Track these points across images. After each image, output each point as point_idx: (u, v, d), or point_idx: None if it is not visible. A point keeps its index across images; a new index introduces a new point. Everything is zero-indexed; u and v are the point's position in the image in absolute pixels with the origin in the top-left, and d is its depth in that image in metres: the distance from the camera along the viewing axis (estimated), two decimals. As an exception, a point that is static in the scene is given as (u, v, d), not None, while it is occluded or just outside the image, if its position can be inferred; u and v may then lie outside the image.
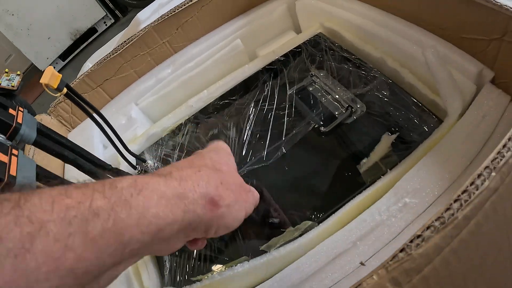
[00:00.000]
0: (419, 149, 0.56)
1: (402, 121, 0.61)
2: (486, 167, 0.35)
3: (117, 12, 3.89)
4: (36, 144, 0.51)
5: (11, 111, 0.48)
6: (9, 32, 3.31)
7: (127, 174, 0.67)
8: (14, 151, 0.40)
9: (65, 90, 0.52)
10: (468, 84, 0.58)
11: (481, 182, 0.34)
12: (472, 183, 0.35)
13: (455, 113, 0.56)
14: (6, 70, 2.52)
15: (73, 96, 0.55)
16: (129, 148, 0.73)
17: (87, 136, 0.87)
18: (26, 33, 3.41)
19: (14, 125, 0.47)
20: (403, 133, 0.59)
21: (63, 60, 3.88)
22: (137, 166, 0.75)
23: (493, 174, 0.35)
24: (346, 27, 0.81)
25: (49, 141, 0.53)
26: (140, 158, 0.76)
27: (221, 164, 0.39)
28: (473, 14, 0.56)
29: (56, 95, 0.51)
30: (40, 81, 0.49)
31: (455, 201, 0.34)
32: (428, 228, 0.34)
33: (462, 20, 0.59)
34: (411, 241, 0.34)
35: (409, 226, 0.46)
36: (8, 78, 2.46)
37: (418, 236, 0.33)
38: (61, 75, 0.51)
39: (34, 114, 2.13)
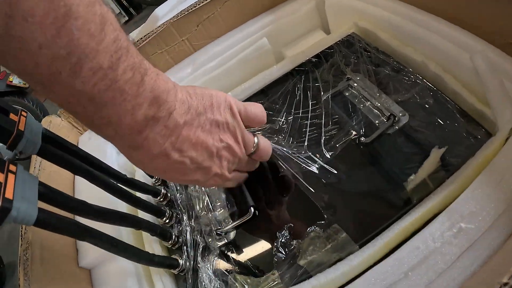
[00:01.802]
0: (470, 166, 0.50)
1: (448, 132, 0.55)
2: None
3: (131, 9, 3.87)
4: (41, 153, 0.45)
5: (12, 116, 0.41)
6: (23, 29, 3.31)
7: (143, 184, 0.61)
8: (12, 167, 0.33)
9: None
10: None
11: None
12: None
13: (506, 126, 0.50)
14: (19, 67, 2.49)
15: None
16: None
17: (99, 140, 0.80)
18: (39, 30, 3.40)
19: (15, 132, 0.40)
20: (450, 146, 0.53)
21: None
22: (153, 174, 0.69)
23: None
24: (383, 27, 0.74)
25: (57, 149, 0.47)
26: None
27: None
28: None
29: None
30: None
31: None
32: None
33: (511, 24, 0.53)
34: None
35: (463, 254, 0.42)
36: (20, 75, 2.43)
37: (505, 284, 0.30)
38: None
39: (46, 113, 2.10)
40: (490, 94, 0.53)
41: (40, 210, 0.33)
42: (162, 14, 1.02)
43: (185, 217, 0.62)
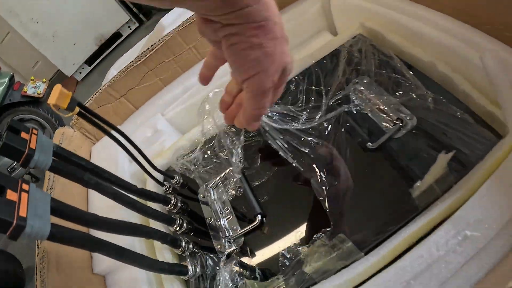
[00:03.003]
0: (478, 171, 0.49)
1: (456, 136, 0.54)
2: None
3: (141, 16, 3.91)
4: (52, 169, 0.46)
5: (23, 134, 0.43)
6: (35, 39, 3.37)
7: (153, 193, 0.62)
8: (25, 186, 0.34)
9: (77, 109, 0.47)
10: None
11: None
12: None
13: None
14: (32, 77, 2.53)
15: (87, 115, 0.49)
16: (156, 163, 0.68)
17: (111, 150, 0.82)
18: (51, 39, 3.46)
19: (27, 151, 0.41)
20: (458, 151, 0.52)
21: (89, 65, 3.91)
22: (164, 183, 0.70)
23: None
24: (390, 27, 0.73)
25: (67, 165, 0.48)
26: (167, 175, 0.70)
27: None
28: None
29: (66, 115, 0.46)
30: (48, 102, 0.43)
31: None
32: None
33: None
34: None
35: (468, 262, 0.41)
36: (34, 85, 2.47)
37: None
38: (71, 93, 0.46)
39: (60, 121, 2.12)
40: (500, 94, 0.52)
41: (53, 225, 0.35)
42: (168, 23, 1.03)
43: (195, 225, 0.63)
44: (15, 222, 0.31)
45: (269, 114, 0.67)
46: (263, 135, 0.65)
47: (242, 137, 0.67)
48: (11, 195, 0.32)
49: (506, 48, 0.54)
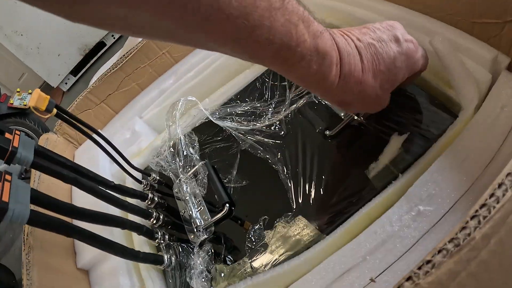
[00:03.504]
0: (433, 149, 0.51)
1: (413, 118, 0.56)
2: (508, 173, 0.30)
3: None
4: (34, 166, 0.51)
5: (7, 135, 0.48)
6: (20, 52, 3.39)
7: (130, 189, 0.67)
8: (7, 176, 0.39)
9: (54, 111, 0.52)
10: (482, 72, 0.53)
11: (502, 193, 0.29)
12: (491, 195, 0.29)
13: (470, 106, 0.51)
14: (18, 89, 2.56)
15: (65, 116, 0.54)
16: (134, 163, 0.73)
17: (93, 152, 0.87)
18: (36, 51, 3.48)
19: (10, 149, 0.46)
20: (415, 132, 0.54)
21: (75, 76, 3.94)
22: (142, 180, 0.75)
23: (518, 181, 0.29)
24: (347, 21, 0.76)
25: (48, 161, 0.53)
26: (144, 173, 0.75)
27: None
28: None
29: (45, 116, 0.51)
30: (28, 104, 0.49)
31: (472, 217, 0.29)
32: (439, 251, 0.29)
33: (472, 3, 0.53)
34: (419, 268, 0.29)
35: (424, 237, 0.43)
36: (20, 97, 2.51)
37: (428, 262, 0.29)
38: (49, 97, 0.51)
39: (47, 131, 2.15)
40: (451, 76, 0.54)
41: (32, 211, 0.40)
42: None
43: (172, 218, 0.68)
44: (-3, 205, 0.36)
45: (234, 117, 0.73)
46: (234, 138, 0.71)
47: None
48: (-6, 184, 0.38)
49: (455, 30, 0.57)
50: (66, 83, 3.94)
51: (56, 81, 3.80)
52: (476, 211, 0.29)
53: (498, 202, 0.28)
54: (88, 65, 3.93)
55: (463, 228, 0.29)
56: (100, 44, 3.91)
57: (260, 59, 0.38)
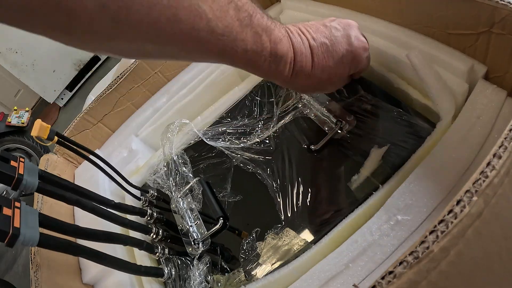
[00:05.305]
0: (412, 160, 0.53)
1: (394, 131, 0.59)
2: (467, 191, 0.31)
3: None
4: (39, 190, 0.55)
5: (12, 163, 0.51)
6: (15, 69, 3.42)
7: (130, 207, 0.70)
8: (17, 204, 0.43)
9: (56, 138, 0.56)
10: (459, 83, 0.55)
11: (460, 209, 0.31)
12: (450, 211, 0.31)
13: (447, 116, 0.53)
14: (15, 107, 2.60)
15: (65, 142, 0.59)
16: (132, 180, 0.77)
17: (93, 172, 0.90)
18: (31, 68, 3.51)
19: (16, 176, 0.50)
20: (396, 144, 0.57)
21: (70, 91, 3.97)
22: (141, 197, 0.78)
23: (475, 198, 0.31)
24: None
25: (51, 186, 0.57)
26: (142, 190, 0.79)
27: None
28: (455, 9, 0.53)
29: (47, 144, 0.55)
30: (31, 134, 0.53)
31: (431, 232, 0.31)
32: (400, 263, 0.31)
33: (446, 16, 0.56)
34: (383, 278, 0.31)
35: (403, 244, 0.45)
36: (18, 115, 2.55)
37: (390, 273, 0.31)
38: (49, 126, 0.56)
39: (45, 148, 2.18)
40: (429, 88, 0.56)
41: (41, 234, 0.44)
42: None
43: (171, 233, 0.71)
44: (11, 231, 0.40)
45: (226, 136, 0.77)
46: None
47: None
48: (6, 211, 0.41)
49: (432, 42, 0.60)
50: (62, 99, 3.97)
51: (52, 97, 3.83)
52: (435, 226, 0.31)
53: (456, 218, 0.31)
54: (83, 80, 3.97)
55: (422, 242, 0.31)
56: (95, 59, 3.95)
57: (236, 64, 0.48)
